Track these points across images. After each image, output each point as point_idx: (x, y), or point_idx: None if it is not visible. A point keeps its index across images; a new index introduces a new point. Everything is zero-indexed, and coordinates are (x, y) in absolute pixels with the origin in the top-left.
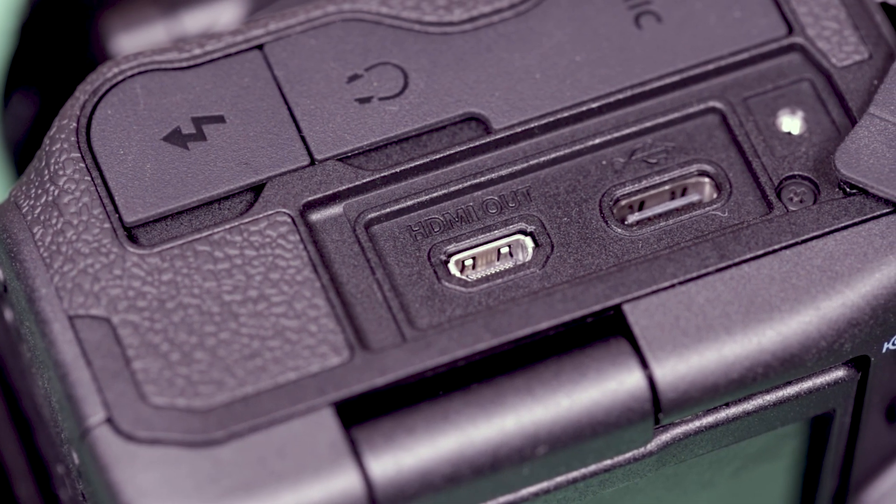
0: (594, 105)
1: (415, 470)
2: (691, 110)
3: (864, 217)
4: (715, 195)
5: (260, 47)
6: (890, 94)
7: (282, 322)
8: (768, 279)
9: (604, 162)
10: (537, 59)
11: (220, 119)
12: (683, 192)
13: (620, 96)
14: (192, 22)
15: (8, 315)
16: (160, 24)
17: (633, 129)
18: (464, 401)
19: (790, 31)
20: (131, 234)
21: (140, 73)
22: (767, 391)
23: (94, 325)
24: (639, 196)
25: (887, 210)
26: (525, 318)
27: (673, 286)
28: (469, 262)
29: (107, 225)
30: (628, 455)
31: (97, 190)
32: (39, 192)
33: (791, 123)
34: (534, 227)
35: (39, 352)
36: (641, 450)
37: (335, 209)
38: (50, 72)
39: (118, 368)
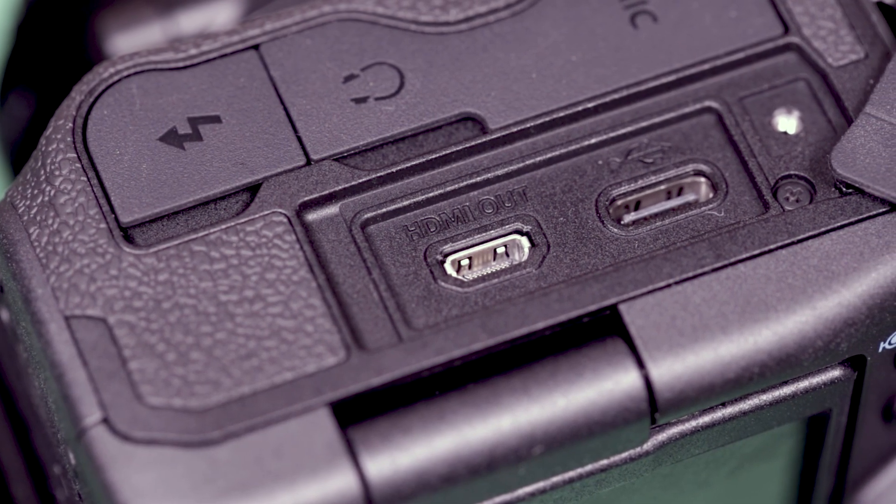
0: (590, 105)
1: (411, 470)
2: (687, 110)
3: (861, 216)
4: (711, 195)
5: (256, 47)
6: (886, 94)
7: (278, 322)
8: (764, 279)
9: (600, 162)
10: (533, 58)
11: (216, 119)
12: (679, 192)
13: (616, 96)
14: (188, 22)
15: (4, 315)
16: (156, 25)
17: (630, 128)
18: (460, 401)
19: (786, 30)
20: (127, 234)
21: (136, 73)
22: (764, 391)
23: (91, 326)
24: (635, 196)
25: (883, 209)
26: (521, 318)
27: (669, 286)
28: (465, 262)
29: (103, 225)
30: (624, 455)
31: (93, 190)
32: (35, 192)
33: (787, 123)
34: (530, 227)
35: (36, 352)
36: (638, 450)
37: (331, 209)
38: (46, 72)
39: (114, 369)
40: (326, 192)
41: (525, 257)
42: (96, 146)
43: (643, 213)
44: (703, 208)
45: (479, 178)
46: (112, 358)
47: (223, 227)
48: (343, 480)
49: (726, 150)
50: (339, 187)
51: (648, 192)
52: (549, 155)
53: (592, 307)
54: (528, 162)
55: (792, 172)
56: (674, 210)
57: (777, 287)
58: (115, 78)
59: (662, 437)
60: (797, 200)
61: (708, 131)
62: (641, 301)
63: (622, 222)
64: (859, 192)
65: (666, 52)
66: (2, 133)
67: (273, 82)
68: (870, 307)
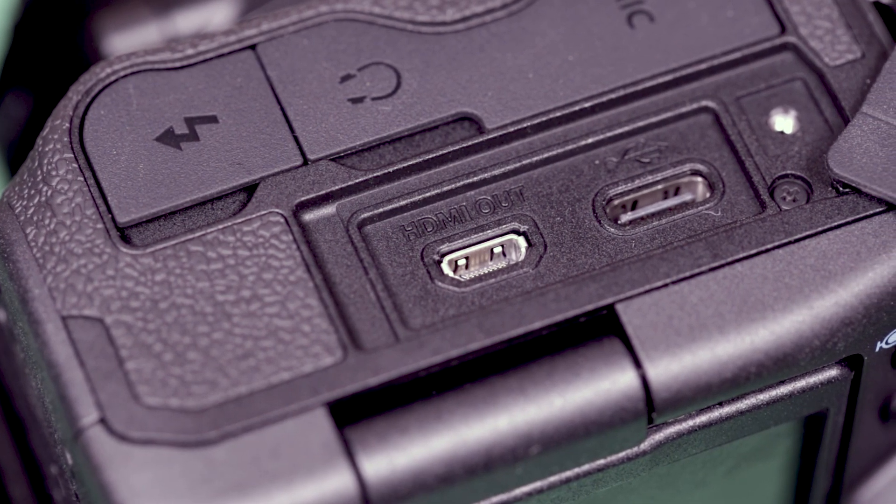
0: (587, 104)
1: (408, 470)
2: (684, 109)
3: (857, 216)
4: (708, 194)
5: (253, 47)
6: (883, 93)
7: (275, 322)
8: (761, 278)
9: (597, 161)
10: (530, 58)
11: (212, 119)
12: (676, 192)
13: (613, 96)
14: (185, 22)
15: (1, 316)
16: (153, 25)
17: (626, 128)
18: (457, 401)
19: (783, 30)
20: (124, 234)
21: (133, 73)
22: (761, 390)
23: (87, 326)
24: (632, 195)
25: (880, 209)
26: (518, 317)
27: (666, 286)
28: (462, 262)
29: (100, 225)
30: (622, 454)
31: (90, 190)
32: (32, 192)
33: (784, 122)
34: (527, 227)
35: (33, 352)
36: (635, 449)
37: (328, 209)
38: (43, 72)
39: (111, 369)
40: (323, 191)
41: (522, 257)
42: (93, 146)
43: (640, 212)
44: (700, 208)
45: (475, 178)
46: (109, 358)
47: (220, 227)
48: (340, 480)
49: (723, 150)
50: (336, 187)
51: (645, 191)
52: (545, 155)
53: (589, 307)
54: (524, 162)
55: (789, 172)
56: (670, 210)
57: (774, 286)
58: (112, 78)
59: (659, 436)
60: (794, 200)
61: (705, 131)
62: (638, 301)
63: (619, 222)
64: (856, 191)
65: (662, 51)
66: None
67: (270, 82)
68: (867, 307)
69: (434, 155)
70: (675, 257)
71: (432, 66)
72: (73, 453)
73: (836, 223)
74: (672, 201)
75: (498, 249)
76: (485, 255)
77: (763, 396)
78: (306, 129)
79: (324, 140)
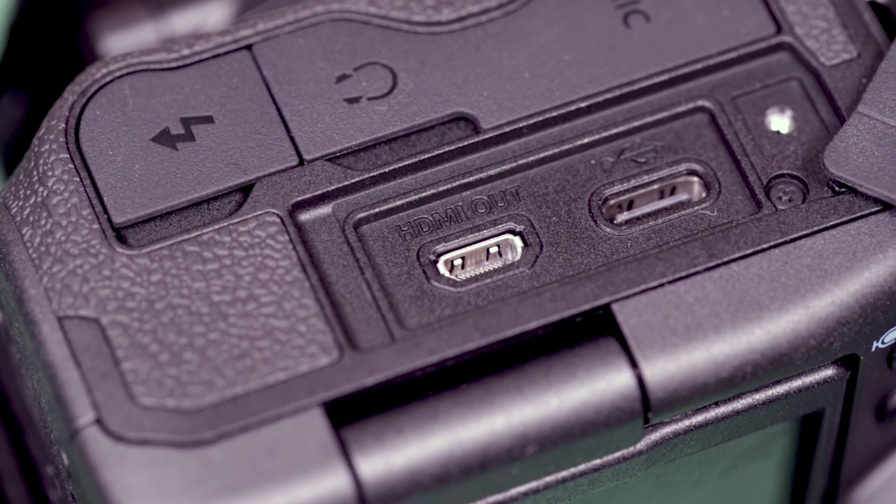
0: (583, 104)
1: (404, 470)
2: (680, 109)
3: (853, 216)
4: (704, 194)
5: (248, 47)
6: (879, 93)
7: (271, 322)
8: (757, 278)
9: (593, 161)
10: (526, 58)
11: (208, 119)
12: (672, 192)
13: (609, 95)
14: (181, 22)
15: None
16: (149, 25)
17: (622, 128)
18: (453, 401)
19: (778, 29)
20: (120, 234)
21: (129, 73)
22: (757, 390)
23: (84, 326)
24: (628, 195)
25: (876, 208)
26: (514, 317)
27: (662, 285)
28: (458, 262)
29: (96, 226)
30: (618, 454)
31: (86, 191)
32: (28, 192)
33: (780, 122)
34: (523, 227)
35: (29, 353)
36: (631, 449)
37: (324, 209)
38: (39, 72)
39: (107, 369)
40: (319, 192)
41: (518, 257)
42: (89, 147)
43: (636, 212)
44: (696, 208)
45: (471, 178)
46: (105, 358)
47: (216, 227)
48: (336, 480)
49: (719, 150)
50: (332, 187)
51: (641, 191)
52: (541, 154)
53: (585, 307)
54: (520, 162)
55: (785, 172)
56: (666, 209)
57: (770, 286)
58: (108, 78)
59: (655, 436)
60: (790, 200)
61: (701, 131)
62: (634, 301)
63: (615, 222)
64: (852, 191)
65: (658, 51)
66: None
67: (266, 82)
68: (863, 306)
69: (430, 155)
70: (672, 257)
71: (428, 66)
72: (69, 454)
73: (832, 223)
74: (668, 201)
75: (494, 249)
76: (481, 255)
77: (759, 396)
78: (302, 129)
79: (320, 140)
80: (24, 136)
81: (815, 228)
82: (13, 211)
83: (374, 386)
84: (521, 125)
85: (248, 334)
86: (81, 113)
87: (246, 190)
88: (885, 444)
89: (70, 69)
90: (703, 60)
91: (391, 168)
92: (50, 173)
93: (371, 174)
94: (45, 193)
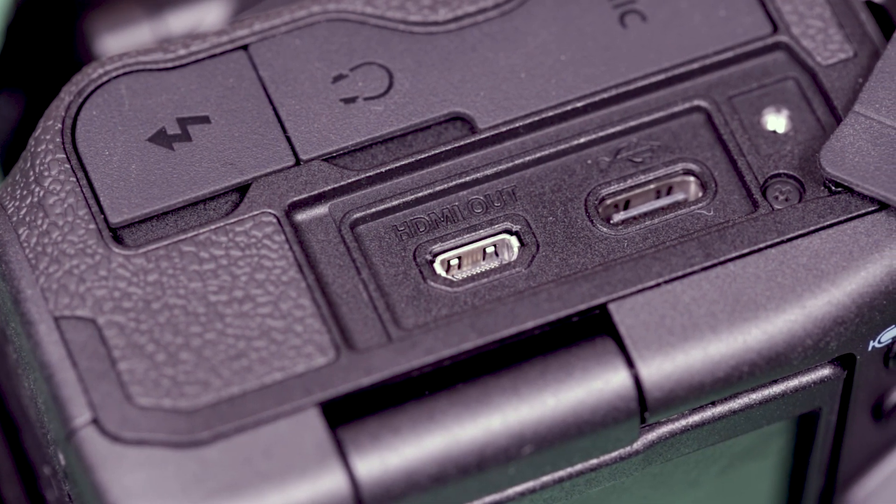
0: (579, 104)
1: (401, 470)
2: (676, 109)
3: (850, 215)
4: (700, 194)
5: (245, 48)
6: (875, 92)
7: (267, 322)
8: (754, 278)
9: (589, 161)
10: (522, 58)
11: (205, 119)
12: (669, 191)
13: (605, 95)
14: (177, 22)
15: None
16: (145, 25)
17: (619, 128)
18: (450, 400)
19: (775, 29)
20: (117, 234)
21: (125, 73)
22: (753, 390)
23: (80, 326)
24: (624, 195)
25: (872, 208)
26: (511, 317)
27: (658, 285)
28: (455, 262)
29: (92, 226)
30: (614, 454)
31: (82, 191)
32: (24, 193)
33: (776, 122)
34: (519, 227)
35: (25, 353)
36: (627, 449)
37: (320, 209)
38: (35, 73)
39: (104, 369)
40: (316, 192)
41: (514, 257)
42: (85, 147)
43: (632, 212)
44: (693, 207)
45: (468, 178)
46: (101, 358)
47: (212, 227)
48: (333, 480)
49: (715, 150)
50: (329, 187)
51: (638, 191)
52: (538, 154)
53: (582, 306)
54: (517, 161)
55: (781, 171)
56: (663, 209)
57: (766, 286)
58: (105, 78)
59: (652, 436)
60: (786, 199)
61: (697, 130)
62: (631, 300)
63: (611, 222)
64: (848, 190)
65: (655, 51)
66: None
67: (262, 82)
68: (859, 306)
69: (426, 155)
70: (668, 257)
71: (424, 66)
72: (65, 454)
73: (828, 222)
74: (664, 201)
75: (490, 249)
76: (477, 255)
77: (756, 396)
78: (298, 129)
79: (316, 140)
80: (20, 137)
81: (812, 228)
82: (10, 211)
83: (370, 386)
84: (517, 125)
85: (245, 334)
86: (78, 113)
87: (242, 190)
88: (881, 444)
89: (66, 69)
90: (700, 60)
91: (387, 168)
92: (46, 173)
93: (367, 174)
94: (41, 194)
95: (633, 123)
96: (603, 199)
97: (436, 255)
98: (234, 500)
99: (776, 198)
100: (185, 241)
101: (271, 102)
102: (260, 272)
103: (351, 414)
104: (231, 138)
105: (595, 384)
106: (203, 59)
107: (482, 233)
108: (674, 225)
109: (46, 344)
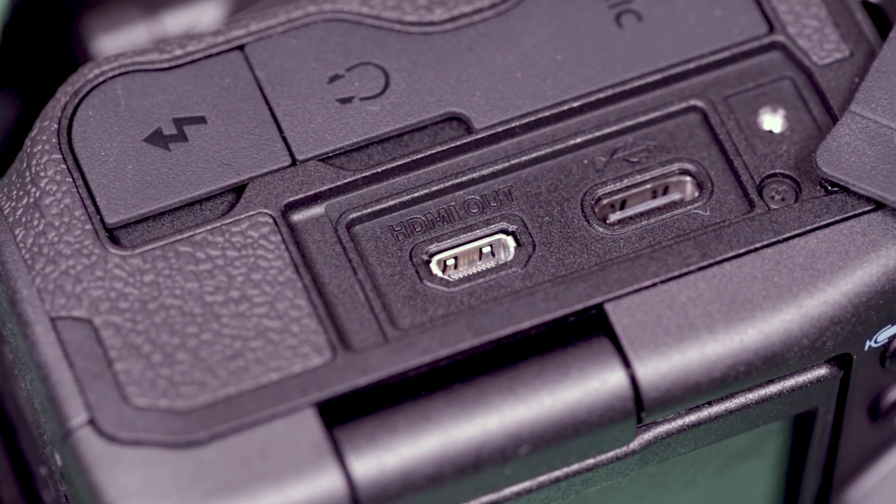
0: (575, 104)
1: (397, 470)
2: (672, 109)
3: (846, 215)
4: (696, 194)
5: (241, 48)
6: (871, 92)
7: (264, 323)
8: (750, 277)
9: (585, 161)
10: (518, 58)
11: (201, 120)
12: (665, 191)
13: (601, 95)
14: (173, 23)
15: None
16: (141, 25)
17: (615, 127)
18: (446, 400)
19: (771, 29)
20: (113, 235)
21: (121, 74)
22: (750, 389)
23: (76, 327)
24: (620, 195)
25: (869, 208)
26: (507, 317)
27: (655, 285)
28: (451, 262)
29: (88, 226)
30: (611, 454)
31: (78, 191)
32: (21, 193)
33: (772, 122)
34: (515, 227)
35: (21, 353)
36: (624, 449)
37: (317, 209)
38: (31, 73)
39: (100, 370)
40: (312, 192)
41: (511, 257)
42: (81, 147)
43: (629, 212)
44: (689, 207)
45: (464, 178)
46: (98, 359)
47: (209, 227)
48: (329, 481)
49: (712, 149)
50: (325, 187)
51: (634, 191)
52: (534, 154)
53: (578, 306)
54: (513, 161)
55: (777, 171)
56: (659, 209)
57: (763, 286)
58: (101, 79)
59: (649, 436)
60: (783, 199)
61: (693, 130)
62: (627, 300)
63: (608, 221)
64: (845, 190)
65: (651, 51)
66: None
67: (258, 83)
68: (855, 305)
69: (423, 155)
70: (664, 257)
71: (420, 66)
72: (62, 454)
73: (824, 222)
74: (661, 201)
75: (487, 249)
76: (473, 255)
77: (752, 395)
78: (295, 129)
79: (312, 140)
80: (16, 137)
81: (808, 228)
82: (6, 212)
83: (366, 386)
84: (513, 125)
85: (241, 335)
86: (74, 114)
87: (238, 190)
88: (878, 444)
89: (62, 70)
90: (696, 60)
91: (384, 168)
92: (42, 174)
93: (364, 174)
94: (37, 194)
95: (629, 123)
96: (599, 199)
97: (432, 255)
98: (231, 501)
99: (772, 197)
100: (181, 241)
101: (267, 103)
102: (256, 272)
103: (347, 414)
104: (227, 138)
105: (591, 384)
106: (199, 59)
107: (478, 233)
108: (670, 225)
109: (43, 344)
